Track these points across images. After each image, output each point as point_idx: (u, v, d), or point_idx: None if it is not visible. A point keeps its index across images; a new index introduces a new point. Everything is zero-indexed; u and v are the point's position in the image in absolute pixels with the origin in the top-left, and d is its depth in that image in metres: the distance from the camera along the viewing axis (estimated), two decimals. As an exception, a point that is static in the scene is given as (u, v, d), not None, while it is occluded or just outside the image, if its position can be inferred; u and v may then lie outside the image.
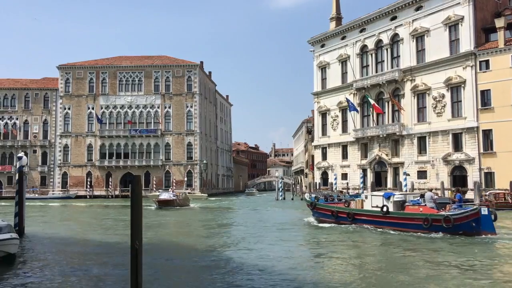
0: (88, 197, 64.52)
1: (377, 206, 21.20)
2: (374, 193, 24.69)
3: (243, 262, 13.69)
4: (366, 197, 22.95)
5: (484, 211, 18.17)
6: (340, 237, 19.69)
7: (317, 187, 54.81)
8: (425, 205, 19.88)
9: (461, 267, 12.86)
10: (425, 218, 18.80)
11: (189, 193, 53.60)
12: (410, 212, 19.99)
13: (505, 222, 24.66)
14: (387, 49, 48.04)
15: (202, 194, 63.76)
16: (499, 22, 38.82)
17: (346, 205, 23.97)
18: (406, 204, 20.63)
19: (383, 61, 48.60)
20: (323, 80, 56.64)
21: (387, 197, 21.11)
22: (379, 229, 20.69)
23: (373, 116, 48.58)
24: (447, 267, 12.80)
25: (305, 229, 23.61)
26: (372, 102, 46.54)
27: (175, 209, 39.73)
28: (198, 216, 33.68)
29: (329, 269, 13.05)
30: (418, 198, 21.37)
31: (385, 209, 20.64)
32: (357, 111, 49.34)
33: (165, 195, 43.16)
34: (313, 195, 28.54)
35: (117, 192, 65.61)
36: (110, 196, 64.43)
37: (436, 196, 23.02)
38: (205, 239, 19.62)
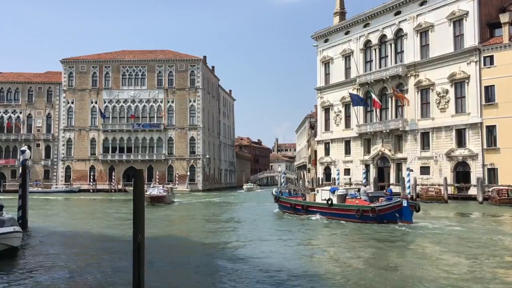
0: (91, 191, 64.79)
1: (325, 199, 23.67)
2: (324, 188, 27.55)
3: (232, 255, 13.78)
4: (317, 192, 25.60)
5: (405, 203, 20.89)
6: (289, 225, 22.10)
7: (320, 182, 54.84)
8: (360, 198, 22.68)
9: (377, 247, 15.37)
10: (358, 209, 21.60)
11: (170, 188, 47.86)
12: (347, 204, 22.77)
13: (501, 219, 24.63)
14: (391, 44, 47.87)
15: (184, 189, 61.99)
16: (504, 18, 38.60)
17: (303, 198, 26.58)
18: (347, 197, 23.27)
19: (387, 56, 48.44)
20: (327, 75, 56.52)
21: (333, 191, 23.83)
22: (325, 220, 23.03)
23: (376, 111, 48.47)
24: (362, 246, 15.56)
25: (269, 218, 25.86)
26: (373, 96, 46.38)
27: (166, 206, 36.21)
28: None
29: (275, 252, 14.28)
30: (355, 192, 24.23)
31: (330, 201, 23.17)
32: (364, 103, 49.07)
33: (155, 191, 38.59)
34: (279, 190, 31.43)
35: (120, 186, 65.73)
36: (113, 190, 64.62)
37: (370, 190, 26.97)
38: (198, 235, 19.68)
